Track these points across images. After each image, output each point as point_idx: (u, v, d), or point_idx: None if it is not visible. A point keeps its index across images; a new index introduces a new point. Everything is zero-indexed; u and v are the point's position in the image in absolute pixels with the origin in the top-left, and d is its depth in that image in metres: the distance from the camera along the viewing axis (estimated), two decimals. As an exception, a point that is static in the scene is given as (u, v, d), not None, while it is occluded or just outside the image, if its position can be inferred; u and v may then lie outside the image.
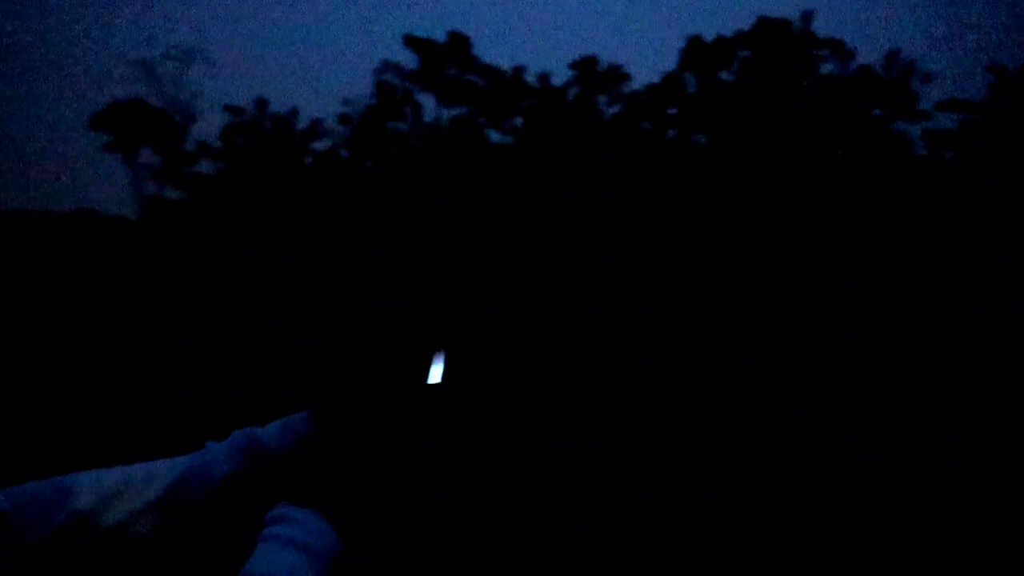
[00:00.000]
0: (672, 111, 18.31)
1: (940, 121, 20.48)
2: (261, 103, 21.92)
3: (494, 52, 22.94)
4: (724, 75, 20.25)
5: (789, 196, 15.88)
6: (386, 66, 23.58)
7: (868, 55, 19.39)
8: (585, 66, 18.64)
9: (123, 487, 0.80)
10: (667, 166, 17.58)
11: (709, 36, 19.74)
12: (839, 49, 18.73)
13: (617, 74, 18.52)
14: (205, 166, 22.63)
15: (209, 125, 25.17)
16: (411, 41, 23.22)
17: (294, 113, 21.42)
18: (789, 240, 15.12)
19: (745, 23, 19.78)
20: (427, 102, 25.56)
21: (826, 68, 18.90)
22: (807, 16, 19.00)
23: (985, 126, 19.59)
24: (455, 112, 22.72)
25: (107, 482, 0.81)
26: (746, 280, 14.39)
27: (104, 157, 26.27)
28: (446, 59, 22.75)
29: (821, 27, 19.39)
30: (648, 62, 19.18)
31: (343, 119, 23.46)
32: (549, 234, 15.03)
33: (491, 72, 22.18)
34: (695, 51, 19.91)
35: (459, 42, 22.82)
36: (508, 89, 21.43)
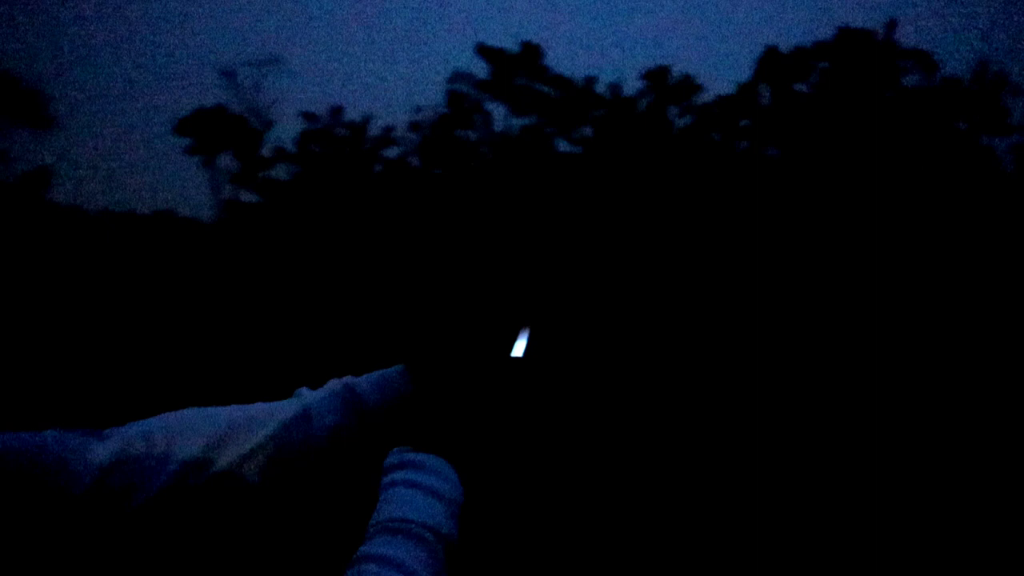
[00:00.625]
0: (745, 123, 17.94)
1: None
2: (336, 110, 22.41)
3: (566, 62, 22.96)
4: (800, 87, 19.77)
5: (868, 211, 15.34)
6: (458, 75, 23.93)
7: (956, 66, 18.51)
8: (657, 76, 18.44)
9: (229, 430, 0.79)
10: (737, 178, 17.22)
11: (787, 47, 19.27)
12: (924, 60, 18.06)
13: (689, 85, 18.26)
14: (281, 171, 23.29)
15: (286, 131, 25.80)
16: (484, 50, 23.46)
17: (367, 120, 21.82)
18: (867, 254, 14.60)
19: (825, 33, 19.23)
20: (498, 111, 25.64)
21: (910, 80, 18.25)
22: (891, 25, 18.38)
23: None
24: (525, 121, 22.81)
25: (217, 423, 0.79)
26: (816, 294, 13.98)
27: (186, 161, 27.17)
28: (517, 68, 22.85)
29: (906, 37, 18.67)
30: (723, 73, 18.82)
31: (414, 127, 23.80)
32: (614, 238, 14.90)
33: (561, 82, 22.17)
34: (771, 62, 19.49)
35: (530, 52, 22.91)
36: (578, 99, 21.37)
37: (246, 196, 23.21)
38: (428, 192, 19.03)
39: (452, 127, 23.31)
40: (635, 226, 16.10)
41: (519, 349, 0.94)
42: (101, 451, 0.71)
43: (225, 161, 24.29)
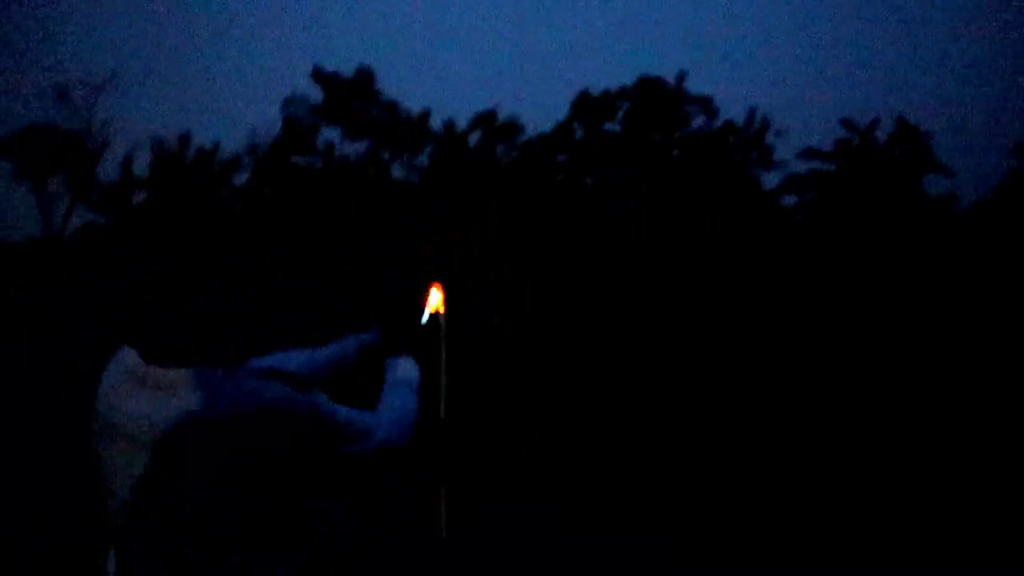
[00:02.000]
0: (561, 158, 20.91)
1: (797, 168, 23.70)
2: (184, 137, 23.11)
3: (401, 91, 24.64)
4: (609, 125, 23.06)
5: (664, 230, 18.66)
6: (293, 99, 25.16)
7: (734, 112, 22.53)
8: (486, 119, 21.11)
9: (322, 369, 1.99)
10: (558, 206, 20.04)
11: (597, 90, 22.49)
12: (707, 105, 21.85)
13: (514, 126, 21.06)
14: (106, 194, 23.40)
15: (121, 150, 25.71)
16: (318, 75, 24.93)
17: (216, 146, 22.69)
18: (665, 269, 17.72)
19: (628, 80, 22.62)
20: (332, 135, 26.84)
21: (696, 122, 22.00)
22: (681, 76, 22.07)
23: (835, 175, 23.10)
24: (358, 146, 24.39)
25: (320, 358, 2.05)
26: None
27: (9, 185, 26.27)
28: (351, 94, 24.45)
29: (693, 86, 22.42)
30: (542, 113, 21.73)
31: (251, 150, 24.74)
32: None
33: (392, 108, 24.05)
34: (583, 104, 22.63)
35: (364, 77, 24.61)
36: (413, 129, 23.42)
37: (85, 218, 23.14)
38: (270, 214, 20.35)
39: (288, 151, 24.49)
40: (467, 248, 18.35)
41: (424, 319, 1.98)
42: (343, 413, 1.48)
43: (55, 185, 23.97)
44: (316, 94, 24.34)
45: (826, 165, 22.35)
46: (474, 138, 22.22)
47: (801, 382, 15.58)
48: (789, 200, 23.31)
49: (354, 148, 24.22)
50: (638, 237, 20.12)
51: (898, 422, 13.06)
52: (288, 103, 24.42)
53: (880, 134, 23.62)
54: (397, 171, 23.81)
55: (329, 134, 24.68)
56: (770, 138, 21.68)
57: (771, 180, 22.92)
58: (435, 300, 2.10)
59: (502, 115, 21.89)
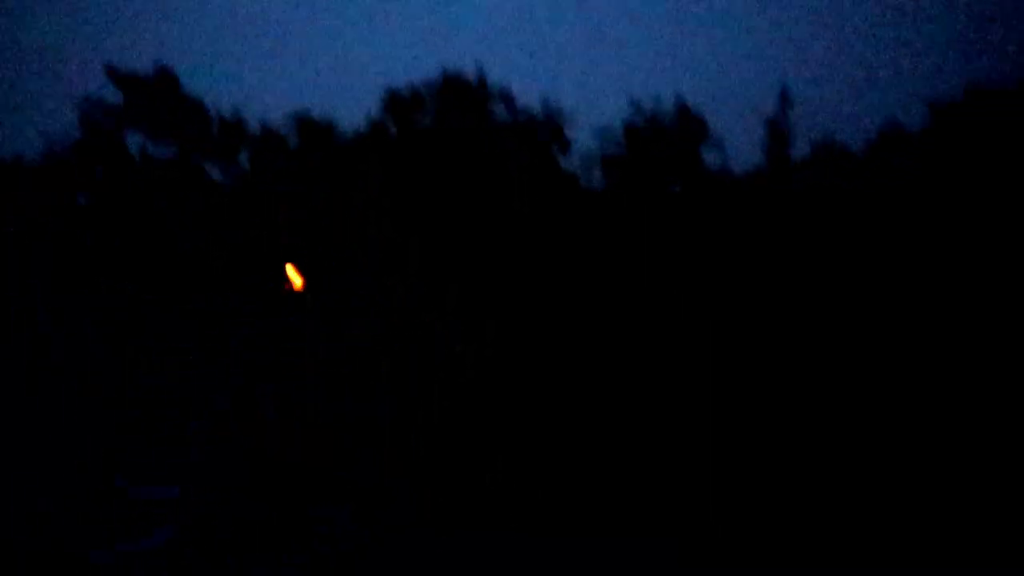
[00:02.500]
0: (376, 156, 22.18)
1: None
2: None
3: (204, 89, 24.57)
4: (421, 120, 24.55)
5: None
6: (88, 101, 24.21)
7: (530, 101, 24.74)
8: (300, 119, 22.08)
9: None
10: (377, 200, 21.46)
11: (406, 91, 23.90)
12: (507, 99, 23.85)
13: (328, 127, 22.11)
14: None
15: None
16: (113, 75, 24.43)
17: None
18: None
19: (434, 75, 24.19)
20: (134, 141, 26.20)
21: (499, 113, 23.96)
22: (481, 72, 23.96)
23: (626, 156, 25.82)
24: (164, 151, 24.29)
25: None
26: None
27: None
28: (152, 94, 24.24)
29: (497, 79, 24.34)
30: (355, 114, 22.79)
31: (48, 158, 24.07)
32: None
33: (199, 107, 24.12)
34: (395, 102, 23.96)
35: (165, 76, 24.48)
36: (227, 130, 23.77)
37: None
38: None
39: (88, 157, 24.07)
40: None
41: None
42: None
43: None
44: (113, 95, 23.85)
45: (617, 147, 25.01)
46: (292, 141, 23.06)
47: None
48: (590, 178, 25.87)
49: (160, 151, 24.15)
50: (456, 221, 21.94)
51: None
52: (84, 105, 23.88)
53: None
54: (215, 174, 24.10)
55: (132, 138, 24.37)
56: (565, 124, 24.05)
57: (569, 162, 25.39)
58: (293, 277, 3.40)
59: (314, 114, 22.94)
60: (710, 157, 26.16)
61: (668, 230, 22.95)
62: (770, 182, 22.90)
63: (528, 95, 25.06)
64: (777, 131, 22.75)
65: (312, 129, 22.37)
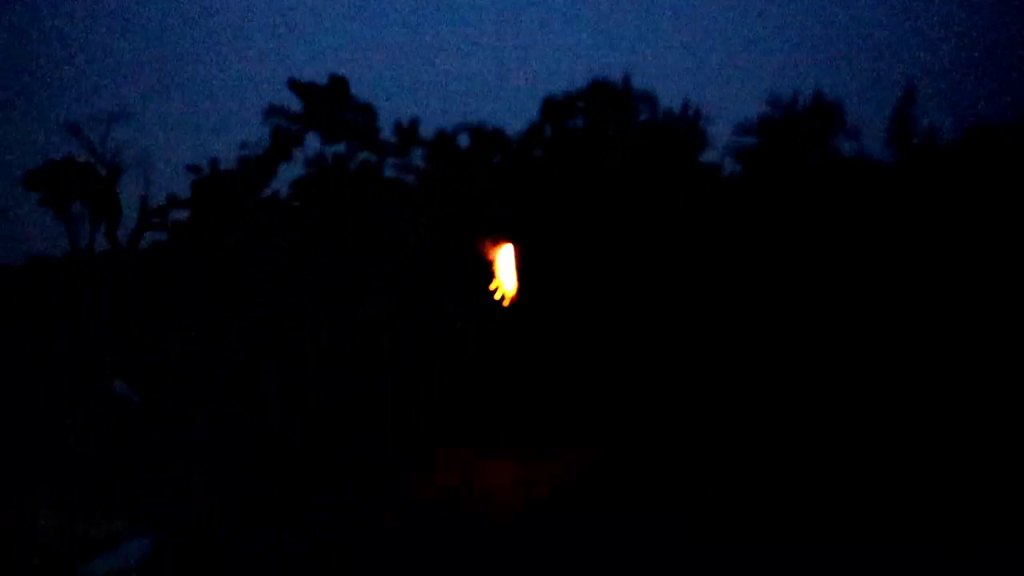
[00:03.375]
0: (539, 152, 25.91)
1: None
2: (213, 162, 28.00)
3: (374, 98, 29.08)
4: (574, 122, 28.06)
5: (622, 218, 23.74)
6: (272, 109, 28.81)
7: (672, 103, 27.73)
8: (474, 129, 26.25)
9: None
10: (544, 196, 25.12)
11: (559, 95, 27.55)
12: (650, 101, 26.94)
13: (496, 134, 26.16)
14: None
15: (135, 177, 30.35)
16: (294, 85, 29.19)
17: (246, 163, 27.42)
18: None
19: (583, 83, 27.75)
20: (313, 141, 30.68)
21: (643, 115, 27.07)
22: (626, 77, 27.18)
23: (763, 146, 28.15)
24: (336, 149, 28.85)
25: None
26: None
27: (40, 212, 30.79)
28: (327, 101, 28.89)
29: (639, 83, 27.53)
30: (516, 118, 26.78)
31: (243, 163, 29.31)
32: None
33: (367, 109, 28.58)
34: (550, 107, 27.64)
35: (338, 84, 29.18)
36: (404, 135, 28.22)
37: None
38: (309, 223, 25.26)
39: (276, 160, 29.07)
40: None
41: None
42: None
43: (77, 208, 28.59)
44: (293, 103, 28.19)
45: (753, 139, 27.47)
46: (463, 141, 27.28)
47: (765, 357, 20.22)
48: (732, 168, 28.44)
49: (332, 150, 28.73)
50: (608, 219, 25.19)
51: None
52: (269, 113, 28.56)
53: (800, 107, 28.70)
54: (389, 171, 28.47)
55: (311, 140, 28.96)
56: (704, 123, 26.79)
57: (711, 156, 28.05)
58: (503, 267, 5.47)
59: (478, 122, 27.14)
60: (846, 146, 28.12)
61: (805, 213, 25.09)
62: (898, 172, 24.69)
63: (672, 97, 28.17)
64: (902, 125, 24.55)
65: (481, 134, 26.48)
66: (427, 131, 27.92)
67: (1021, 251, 20.39)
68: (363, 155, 28.25)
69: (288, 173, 28.69)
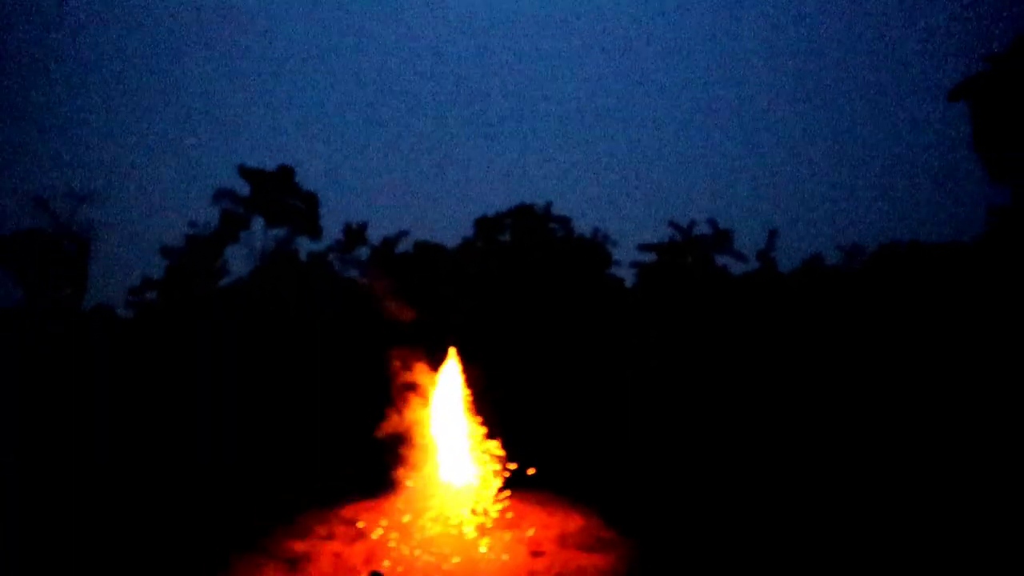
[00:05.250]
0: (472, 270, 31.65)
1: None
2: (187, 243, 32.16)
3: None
4: (503, 237, 34.11)
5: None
6: (222, 192, 32.22)
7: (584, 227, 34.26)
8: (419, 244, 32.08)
9: None
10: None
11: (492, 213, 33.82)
12: (566, 223, 33.24)
13: (430, 247, 31.98)
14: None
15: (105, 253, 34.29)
16: (244, 171, 32.54)
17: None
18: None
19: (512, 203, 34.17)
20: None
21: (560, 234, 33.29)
22: (548, 206, 33.63)
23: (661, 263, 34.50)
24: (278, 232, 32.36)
25: None
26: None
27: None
28: (274, 187, 31.69)
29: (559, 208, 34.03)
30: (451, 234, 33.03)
31: (189, 240, 31.96)
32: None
33: (310, 199, 32.17)
34: (484, 225, 33.74)
35: (285, 172, 32.45)
36: (353, 235, 33.37)
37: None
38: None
39: (223, 241, 32.86)
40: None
41: None
42: None
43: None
44: (241, 188, 31.95)
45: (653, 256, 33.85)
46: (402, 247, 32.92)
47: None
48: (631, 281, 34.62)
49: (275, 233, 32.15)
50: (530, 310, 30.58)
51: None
52: (218, 196, 32.32)
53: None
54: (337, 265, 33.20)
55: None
56: (611, 244, 33.33)
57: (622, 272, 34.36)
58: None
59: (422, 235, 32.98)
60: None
61: (688, 314, 30.95)
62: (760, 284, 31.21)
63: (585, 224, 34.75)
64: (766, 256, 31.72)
65: (424, 245, 32.19)
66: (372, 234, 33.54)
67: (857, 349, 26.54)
68: (303, 240, 32.65)
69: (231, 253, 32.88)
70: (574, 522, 18.01)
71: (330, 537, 17.09)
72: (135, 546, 16.48)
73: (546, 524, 17.79)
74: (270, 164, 33.21)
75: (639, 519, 18.48)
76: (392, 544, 16.52)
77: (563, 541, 17.19)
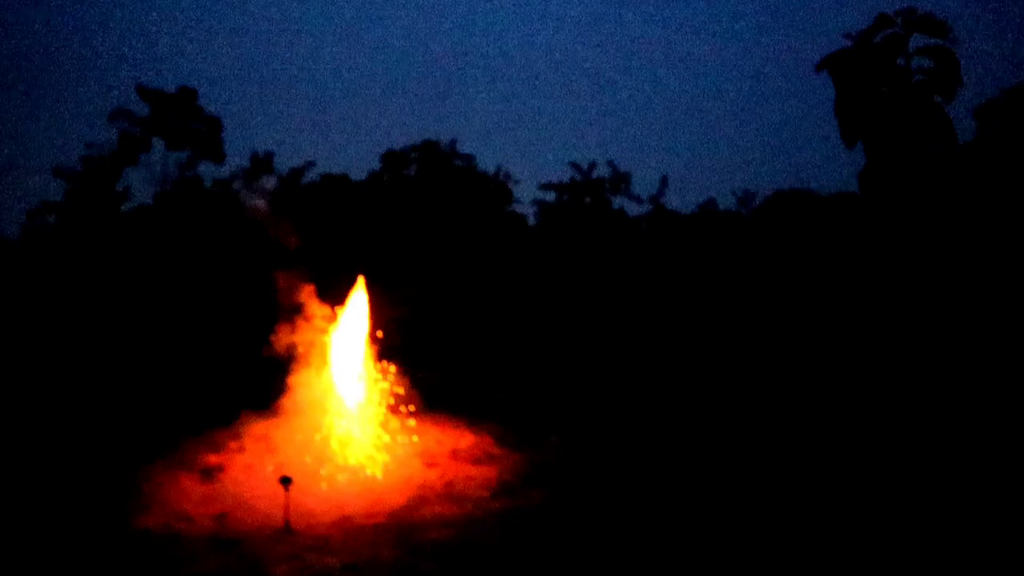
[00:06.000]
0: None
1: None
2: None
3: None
4: (409, 172, 35.47)
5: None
6: (119, 112, 31.70)
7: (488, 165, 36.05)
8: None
9: None
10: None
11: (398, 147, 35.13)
12: (469, 160, 34.98)
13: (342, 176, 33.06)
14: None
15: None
16: (142, 91, 32.19)
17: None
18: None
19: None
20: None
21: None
22: (452, 141, 35.17)
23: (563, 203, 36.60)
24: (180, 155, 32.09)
25: None
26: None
27: None
28: (173, 109, 31.48)
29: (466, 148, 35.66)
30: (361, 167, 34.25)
31: (86, 162, 31.69)
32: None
33: (213, 121, 32.34)
34: (390, 159, 34.95)
35: (187, 94, 32.36)
36: (259, 164, 34.12)
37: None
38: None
39: (122, 163, 32.97)
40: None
41: None
42: None
43: None
44: (140, 108, 31.66)
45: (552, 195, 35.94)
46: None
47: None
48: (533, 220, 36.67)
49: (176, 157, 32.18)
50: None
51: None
52: (115, 116, 31.92)
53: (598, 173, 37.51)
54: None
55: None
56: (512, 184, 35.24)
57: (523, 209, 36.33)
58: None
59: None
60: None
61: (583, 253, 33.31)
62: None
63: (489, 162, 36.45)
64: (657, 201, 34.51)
65: (331, 177, 33.24)
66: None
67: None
68: (206, 165, 33.10)
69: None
70: (466, 440, 20.27)
71: (241, 451, 18.79)
72: (49, 466, 17.69)
73: (440, 441, 19.99)
74: (170, 86, 33.07)
75: (527, 440, 20.87)
76: (302, 459, 18.30)
77: (455, 455, 19.48)
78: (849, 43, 21.01)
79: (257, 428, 19.44)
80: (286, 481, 16.10)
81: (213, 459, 18.63)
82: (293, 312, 21.40)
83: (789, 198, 34.76)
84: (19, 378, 23.39)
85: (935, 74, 21.29)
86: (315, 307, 21.44)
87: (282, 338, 20.62)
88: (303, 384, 20.10)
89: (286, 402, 19.86)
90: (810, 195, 34.44)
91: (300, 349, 20.63)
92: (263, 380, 20.71)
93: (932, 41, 21.38)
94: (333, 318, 21.67)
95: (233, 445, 18.91)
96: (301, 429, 19.23)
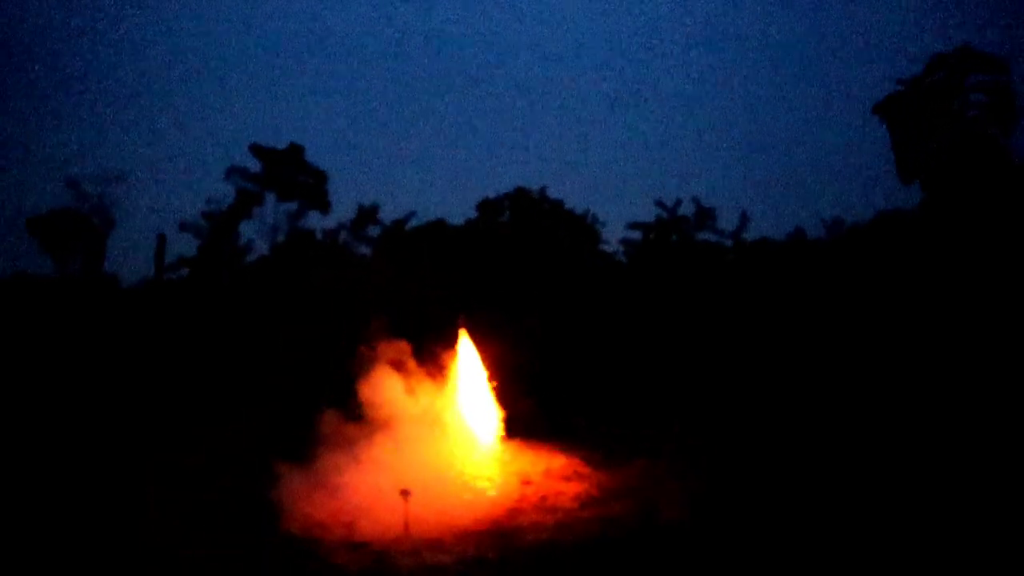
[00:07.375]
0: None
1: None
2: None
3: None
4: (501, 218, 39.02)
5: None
6: (234, 169, 36.51)
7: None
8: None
9: None
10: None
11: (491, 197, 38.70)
12: (559, 207, 38.20)
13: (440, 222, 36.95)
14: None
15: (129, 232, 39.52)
16: (256, 149, 36.98)
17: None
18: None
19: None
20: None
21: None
22: (543, 190, 38.55)
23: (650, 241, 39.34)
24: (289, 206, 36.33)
25: None
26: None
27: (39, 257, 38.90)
28: (283, 164, 35.76)
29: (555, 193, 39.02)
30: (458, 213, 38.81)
31: (207, 217, 36.56)
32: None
33: (319, 175, 36.49)
34: (485, 206, 38.56)
35: (294, 150, 36.79)
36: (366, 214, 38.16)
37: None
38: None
39: (238, 216, 37.51)
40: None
41: None
42: None
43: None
44: (252, 165, 36.01)
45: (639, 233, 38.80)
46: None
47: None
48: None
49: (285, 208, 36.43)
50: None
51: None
52: (230, 173, 36.62)
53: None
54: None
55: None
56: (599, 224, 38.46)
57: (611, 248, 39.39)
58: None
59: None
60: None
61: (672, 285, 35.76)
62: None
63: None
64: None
65: (428, 224, 37.13)
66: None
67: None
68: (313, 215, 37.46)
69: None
70: (558, 461, 23.17)
71: (361, 471, 22.20)
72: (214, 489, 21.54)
73: (534, 462, 23.02)
74: (280, 143, 37.50)
75: (612, 461, 23.51)
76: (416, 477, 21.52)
77: (548, 474, 22.42)
78: (901, 88, 23.18)
79: (373, 452, 22.79)
80: (405, 493, 19.34)
81: (338, 479, 22.05)
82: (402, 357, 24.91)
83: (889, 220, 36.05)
84: (171, 412, 27.41)
85: (991, 109, 23.18)
86: (421, 349, 24.96)
87: (395, 374, 24.12)
88: (409, 413, 23.41)
89: (395, 430, 23.12)
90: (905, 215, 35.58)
91: (410, 383, 24.07)
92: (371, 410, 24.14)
93: (987, 77, 23.34)
94: (439, 357, 25.13)
95: (355, 466, 22.31)
96: (414, 452, 22.50)
